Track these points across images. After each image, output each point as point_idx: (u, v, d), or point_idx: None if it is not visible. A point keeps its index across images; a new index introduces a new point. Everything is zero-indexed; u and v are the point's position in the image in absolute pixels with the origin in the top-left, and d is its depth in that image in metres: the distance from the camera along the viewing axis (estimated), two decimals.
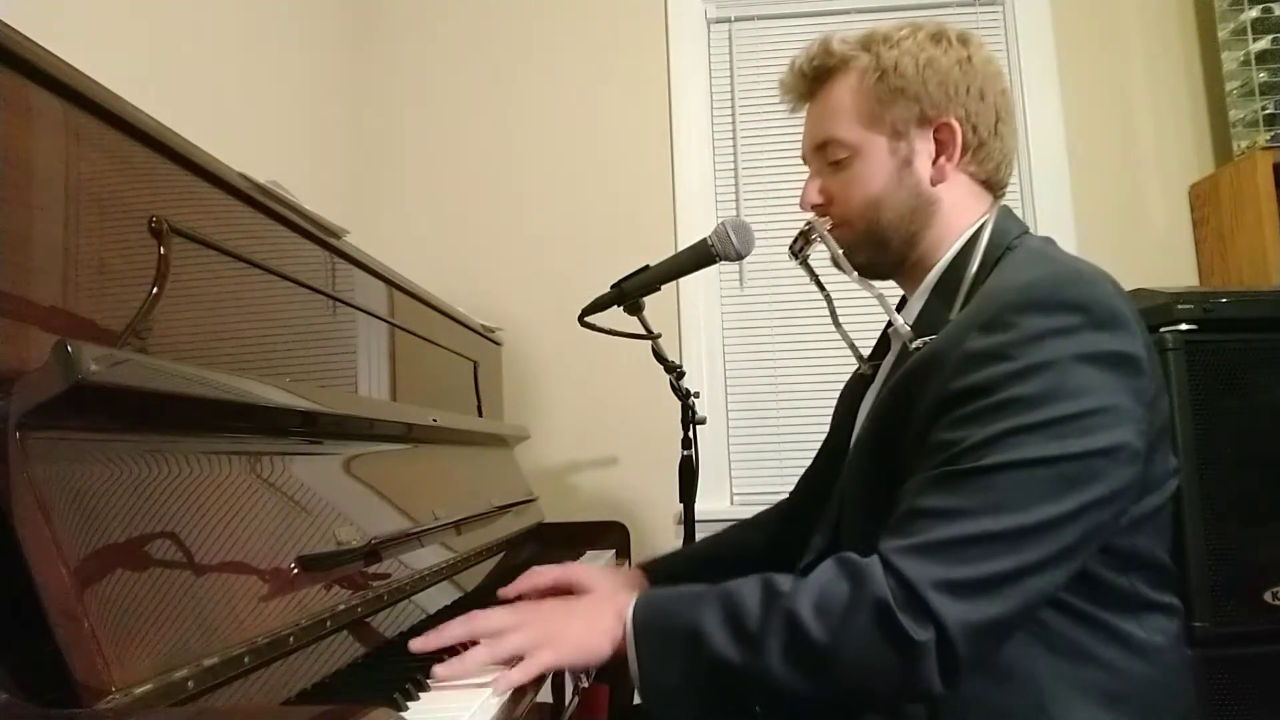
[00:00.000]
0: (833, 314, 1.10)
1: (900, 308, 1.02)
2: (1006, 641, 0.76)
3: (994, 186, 0.98)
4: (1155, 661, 0.80)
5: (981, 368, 0.76)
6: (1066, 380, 0.74)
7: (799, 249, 1.04)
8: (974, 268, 0.90)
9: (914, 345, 0.90)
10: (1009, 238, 0.91)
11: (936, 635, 0.70)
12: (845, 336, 1.10)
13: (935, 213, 0.95)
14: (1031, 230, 0.95)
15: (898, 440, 0.84)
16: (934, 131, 0.93)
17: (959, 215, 0.95)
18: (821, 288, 1.10)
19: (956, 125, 0.93)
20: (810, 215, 1.02)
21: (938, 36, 0.95)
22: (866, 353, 1.11)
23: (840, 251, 0.99)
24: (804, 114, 1.03)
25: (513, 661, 0.80)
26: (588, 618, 0.84)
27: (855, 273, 0.99)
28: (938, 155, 0.94)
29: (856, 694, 0.75)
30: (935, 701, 0.76)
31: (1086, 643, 0.78)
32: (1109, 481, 0.74)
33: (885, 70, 0.94)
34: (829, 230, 0.99)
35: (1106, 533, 0.77)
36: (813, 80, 0.99)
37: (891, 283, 1.03)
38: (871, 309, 1.04)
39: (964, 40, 0.95)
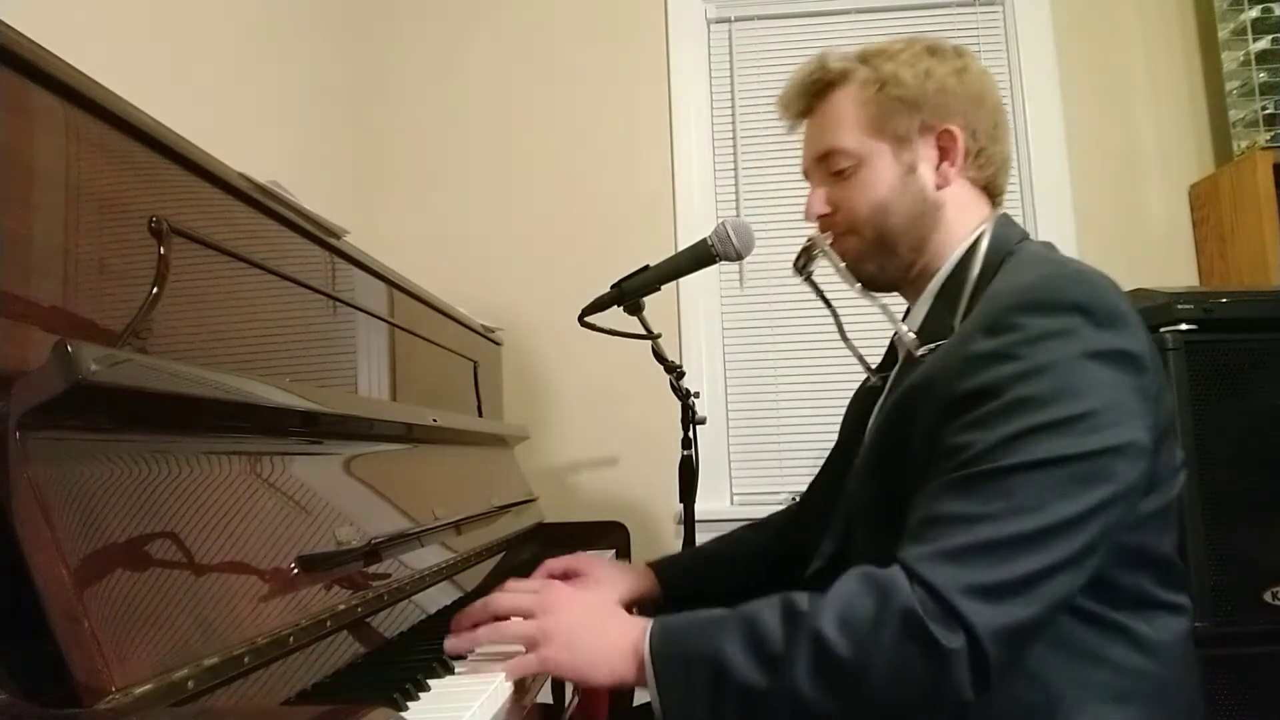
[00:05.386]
0: (839, 328, 1.10)
1: (905, 317, 1.02)
2: (1033, 643, 0.75)
3: (993, 192, 1.00)
4: (1165, 660, 0.80)
5: (987, 369, 0.77)
6: (1073, 379, 0.75)
7: (802, 265, 1.05)
8: (975, 273, 0.92)
9: (919, 352, 0.91)
10: (1009, 243, 0.93)
11: (968, 641, 0.69)
12: (853, 349, 1.10)
13: (940, 218, 0.96)
14: (1032, 231, 0.97)
15: (905, 447, 0.84)
16: (936, 138, 0.95)
17: (961, 221, 0.96)
18: (827, 303, 1.10)
19: (958, 131, 0.94)
20: (813, 230, 1.03)
21: (934, 49, 0.97)
22: (874, 363, 1.11)
23: (843, 265, 1.00)
24: (802, 129, 1.04)
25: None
26: (601, 637, 0.81)
27: (859, 285, 1.00)
28: (940, 161, 0.96)
29: (886, 707, 0.72)
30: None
31: (1095, 642, 0.78)
32: (1121, 478, 0.74)
33: (885, 81, 0.95)
34: (835, 241, 1.00)
35: (1119, 529, 0.77)
36: (812, 95, 1.01)
37: (895, 294, 1.03)
38: (875, 321, 1.05)
39: (959, 52, 0.98)
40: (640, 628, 0.79)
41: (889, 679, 0.70)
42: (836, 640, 0.70)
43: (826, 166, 0.99)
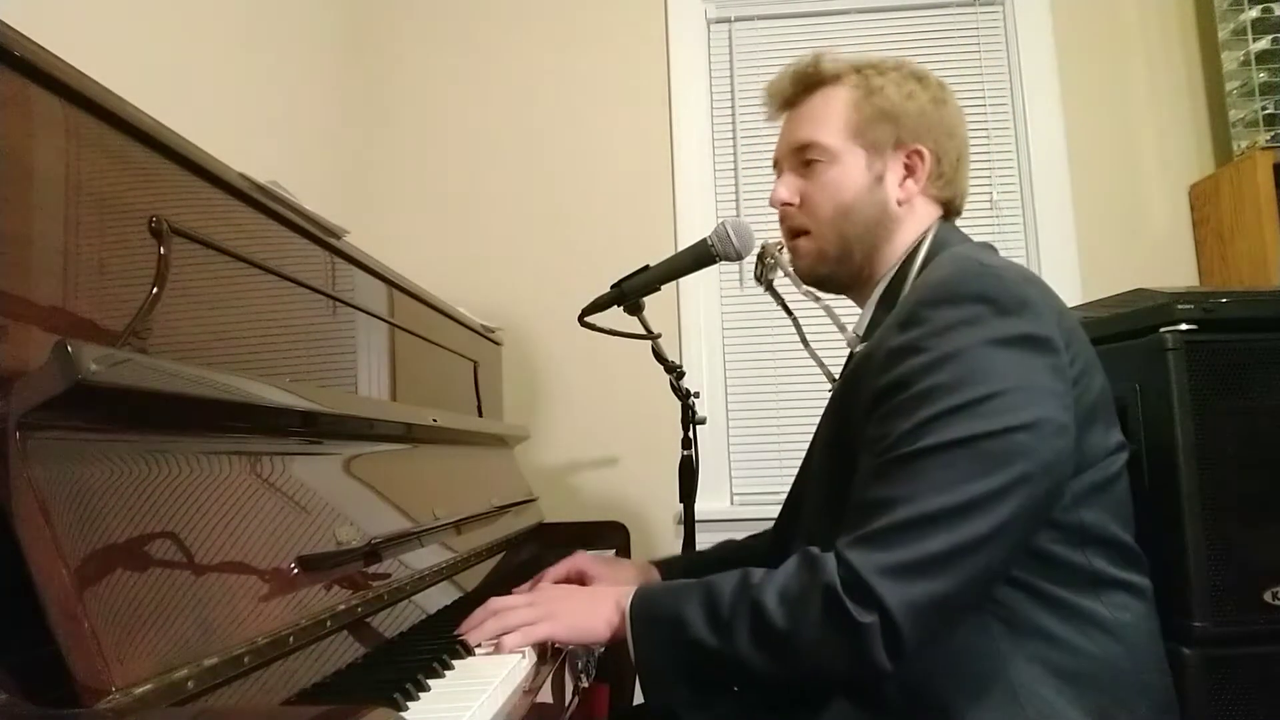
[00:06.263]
0: (801, 336, 1.16)
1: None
2: (957, 619, 0.80)
3: (950, 212, 1.05)
4: (1121, 638, 0.83)
5: (900, 363, 0.82)
6: (978, 365, 0.79)
7: (760, 274, 1.12)
8: (913, 276, 0.97)
9: (857, 350, 0.96)
10: (946, 246, 0.98)
11: (880, 617, 0.74)
12: (815, 356, 1.17)
13: (896, 229, 1.01)
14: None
15: (848, 440, 0.89)
16: (906, 155, 1.01)
17: (914, 234, 1.02)
18: (788, 311, 1.17)
19: (927, 153, 1.00)
20: (768, 240, 1.10)
21: (920, 76, 1.04)
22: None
23: (791, 268, 1.08)
24: (781, 120, 1.09)
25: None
26: (589, 603, 0.93)
27: (804, 284, 1.08)
28: (905, 178, 1.01)
29: (814, 674, 0.80)
30: (902, 679, 0.80)
31: (1044, 620, 0.81)
32: (1036, 456, 0.78)
33: (873, 91, 1.01)
34: (792, 243, 1.06)
35: (1047, 506, 0.80)
36: (802, 89, 1.06)
37: (845, 299, 1.09)
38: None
39: (941, 85, 1.05)
40: (627, 590, 0.90)
41: (815, 648, 0.77)
42: (774, 611, 0.78)
43: (801, 157, 1.04)
